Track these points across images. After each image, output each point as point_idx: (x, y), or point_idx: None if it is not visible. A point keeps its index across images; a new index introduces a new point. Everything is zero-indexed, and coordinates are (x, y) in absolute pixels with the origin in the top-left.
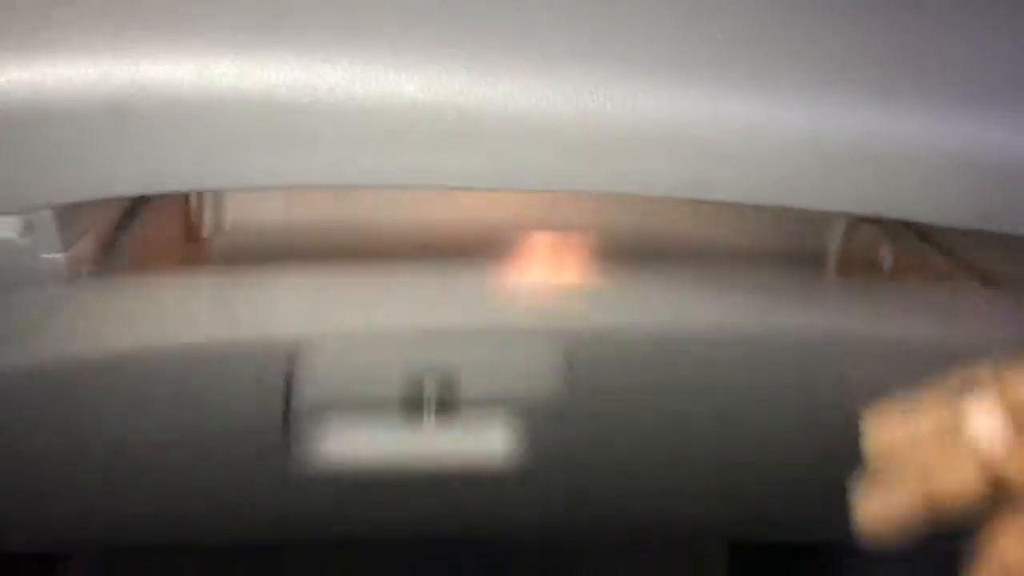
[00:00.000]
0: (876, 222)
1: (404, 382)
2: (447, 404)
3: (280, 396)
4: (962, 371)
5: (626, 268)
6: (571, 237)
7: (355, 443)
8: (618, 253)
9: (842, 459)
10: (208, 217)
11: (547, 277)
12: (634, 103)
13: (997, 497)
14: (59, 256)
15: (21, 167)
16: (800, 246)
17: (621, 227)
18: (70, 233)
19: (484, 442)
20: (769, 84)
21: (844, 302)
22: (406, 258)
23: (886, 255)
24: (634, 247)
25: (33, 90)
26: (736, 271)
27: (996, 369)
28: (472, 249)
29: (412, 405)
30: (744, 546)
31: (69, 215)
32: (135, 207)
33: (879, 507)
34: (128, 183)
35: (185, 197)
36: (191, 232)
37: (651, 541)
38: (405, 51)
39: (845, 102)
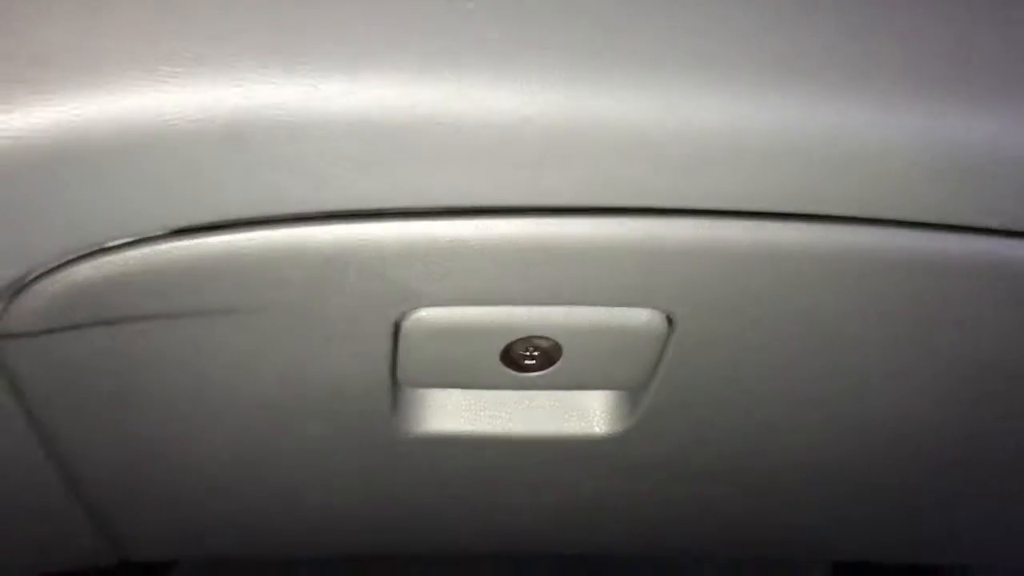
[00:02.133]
0: None
1: (508, 351)
2: (548, 372)
3: (387, 361)
4: None
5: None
6: None
7: (460, 410)
8: None
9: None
10: None
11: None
12: (732, 113)
13: None
14: None
15: (136, 192)
16: None
17: None
18: None
19: (582, 412)
20: (880, 90)
21: None
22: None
23: None
24: None
25: (146, 116)
26: None
27: None
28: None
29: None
30: (849, 569)
31: None
32: None
33: None
34: (238, 208)
35: None
36: None
37: (747, 562)
38: (503, 67)
39: (964, 108)
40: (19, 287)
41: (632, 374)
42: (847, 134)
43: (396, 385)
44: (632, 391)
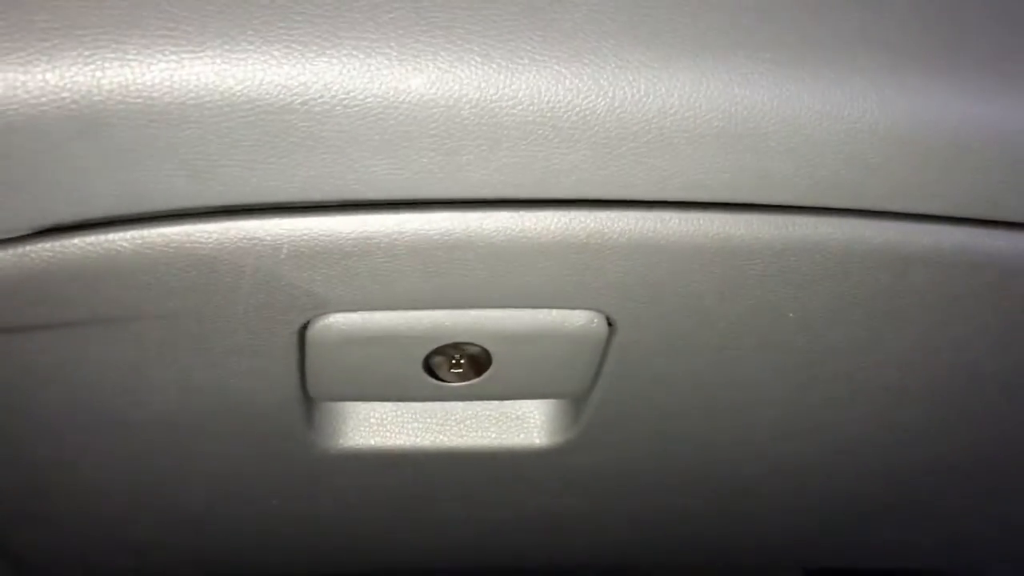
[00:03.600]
0: None
1: (432, 359)
2: (477, 382)
3: (295, 374)
4: None
5: None
6: None
7: (384, 422)
8: None
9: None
10: None
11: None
12: (681, 93)
13: None
14: None
15: None
16: None
17: None
18: None
19: (520, 423)
20: (837, 72)
21: None
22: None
23: None
24: None
25: None
26: None
27: None
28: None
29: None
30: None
31: None
32: None
33: None
34: (104, 204)
35: None
36: None
37: (717, 570)
38: (408, 43)
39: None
40: None
41: (571, 382)
42: (802, 116)
43: (309, 399)
44: (574, 399)
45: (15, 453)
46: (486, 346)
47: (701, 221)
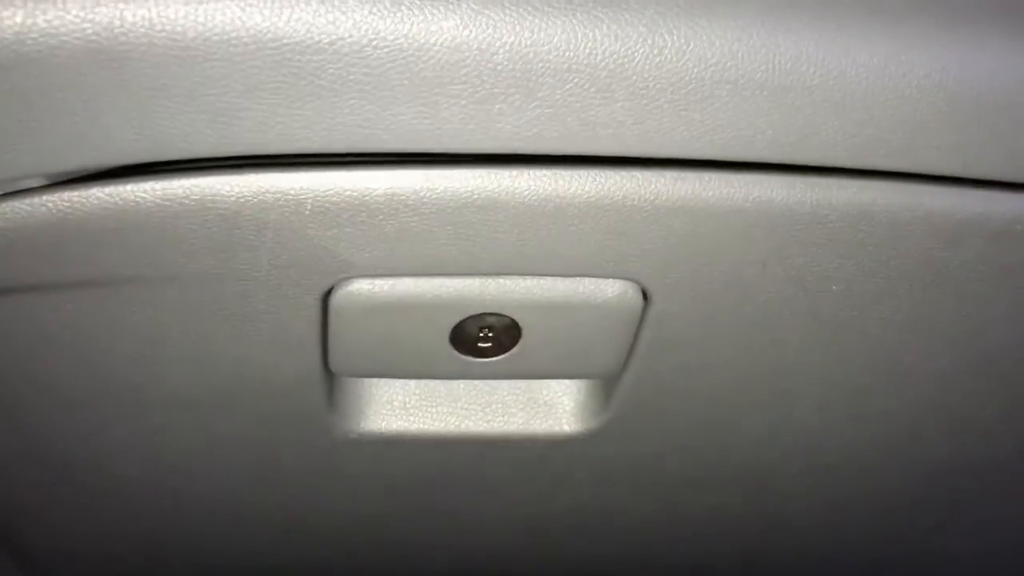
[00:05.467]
0: None
1: (459, 331)
2: (505, 358)
3: (317, 346)
4: None
5: None
6: None
7: (408, 405)
8: None
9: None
10: None
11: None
12: (723, 42)
13: None
14: None
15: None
16: None
17: None
18: None
19: (548, 408)
20: (888, 30)
21: None
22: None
23: None
24: None
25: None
26: None
27: None
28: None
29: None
30: None
31: None
32: None
33: None
34: (123, 149)
35: None
36: None
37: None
38: None
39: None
40: None
41: (603, 359)
42: (849, 70)
43: (330, 375)
44: (604, 380)
45: (22, 427)
46: (515, 317)
47: (742, 183)
